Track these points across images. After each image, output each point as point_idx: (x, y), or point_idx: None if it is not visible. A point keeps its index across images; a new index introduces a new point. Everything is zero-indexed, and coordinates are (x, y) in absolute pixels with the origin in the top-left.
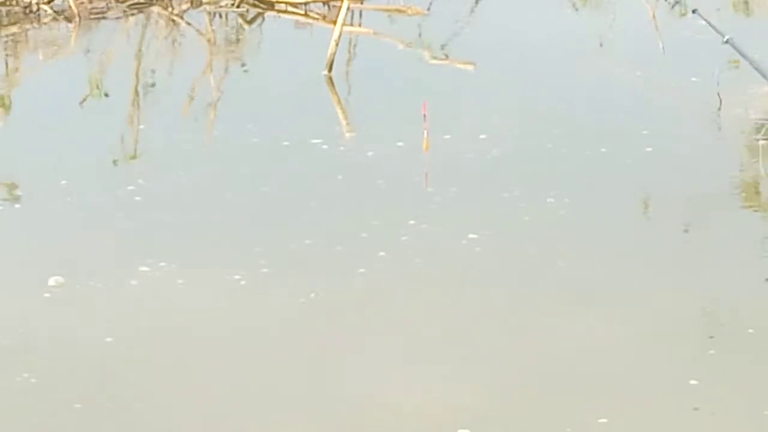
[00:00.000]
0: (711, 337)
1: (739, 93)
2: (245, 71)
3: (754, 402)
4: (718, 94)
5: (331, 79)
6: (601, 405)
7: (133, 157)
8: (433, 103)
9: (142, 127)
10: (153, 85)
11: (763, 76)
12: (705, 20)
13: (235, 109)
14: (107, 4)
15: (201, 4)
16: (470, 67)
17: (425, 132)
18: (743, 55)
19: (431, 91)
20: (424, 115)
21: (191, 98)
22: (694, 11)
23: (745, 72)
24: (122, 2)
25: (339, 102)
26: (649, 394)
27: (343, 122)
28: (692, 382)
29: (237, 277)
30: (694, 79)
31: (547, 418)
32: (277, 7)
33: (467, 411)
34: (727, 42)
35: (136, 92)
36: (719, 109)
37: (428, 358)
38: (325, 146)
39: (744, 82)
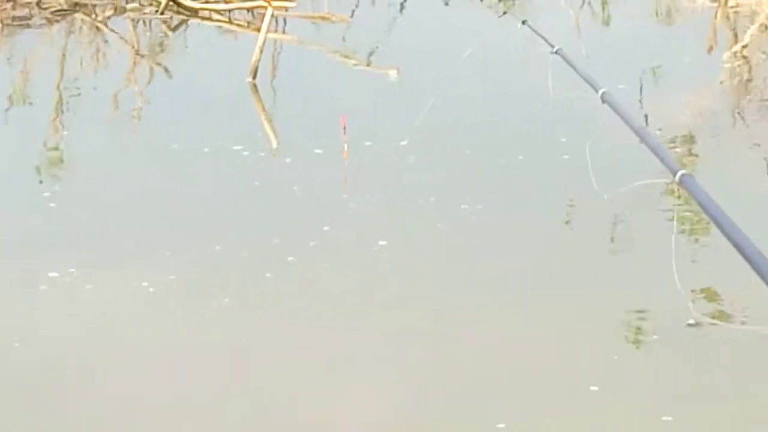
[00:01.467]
0: (615, 343)
1: (662, 102)
2: (169, 78)
3: (652, 408)
4: (640, 102)
5: (255, 86)
6: (501, 410)
7: (54, 164)
8: (356, 109)
9: (66, 133)
10: (77, 91)
11: (592, 86)
12: (535, 32)
13: (159, 116)
14: (30, 11)
15: (125, 11)
16: (393, 74)
17: (345, 145)
18: (572, 66)
19: (355, 98)
20: (344, 128)
21: (115, 105)
22: (524, 22)
23: (669, 81)
24: (45, 9)
25: (263, 109)
26: (549, 400)
27: (266, 129)
28: (593, 388)
29: (145, 283)
30: (621, 86)
31: (448, 424)
32: (201, 14)
33: (369, 418)
34: (556, 53)
35: (60, 99)
36: (645, 118)
37: (332, 365)
38: (245, 153)
39: (667, 91)
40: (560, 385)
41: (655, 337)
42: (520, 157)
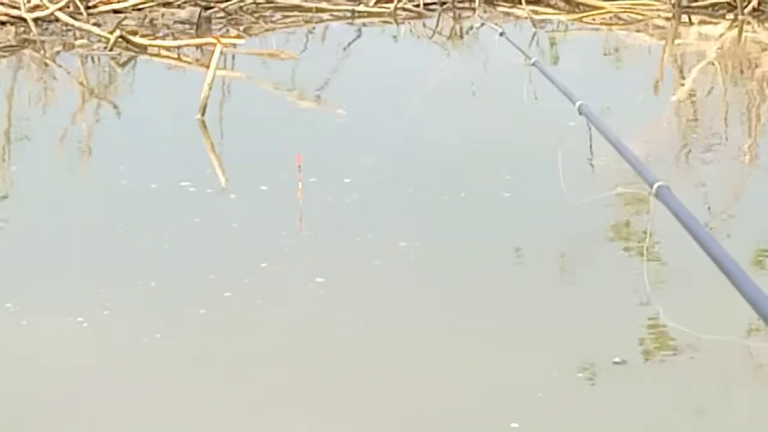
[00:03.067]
0: (541, 380)
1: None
2: (118, 114)
3: None
4: (591, 146)
5: (204, 122)
6: None
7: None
8: (304, 147)
9: (14, 168)
10: (25, 127)
11: (568, 97)
12: (512, 44)
13: (108, 152)
14: None
15: (73, 47)
16: (340, 112)
17: (300, 184)
18: (548, 77)
19: (301, 135)
20: (299, 166)
21: (64, 141)
22: (501, 34)
23: (617, 119)
24: None
25: (212, 146)
26: None
27: (215, 165)
28: (513, 425)
29: (80, 319)
30: (572, 123)
31: None
32: (150, 50)
33: None
34: (533, 64)
35: (8, 134)
36: (590, 158)
37: (264, 402)
38: (192, 189)
39: (616, 130)
40: (480, 421)
41: (580, 375)
42: (463, 195)
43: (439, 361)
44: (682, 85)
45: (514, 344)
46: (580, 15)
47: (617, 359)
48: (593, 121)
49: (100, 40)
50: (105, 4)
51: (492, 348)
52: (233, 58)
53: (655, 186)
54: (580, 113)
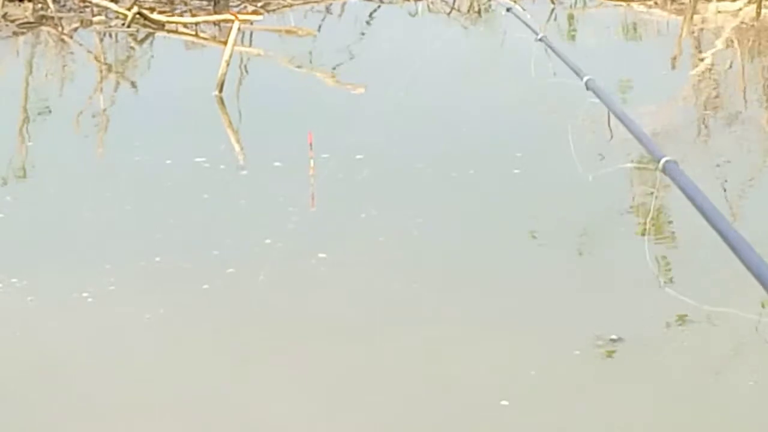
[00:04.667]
0: (535, 357)
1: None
2: (135, 91)
3: (559, 424)
4: (609, 123)
5: (221, 99)
6: (410, 424)
7: (14, 174)
8: (320, 123)
9: (30, 143)
10: (43, 103)
11: (576, 73)
12: (520, 19)
13: (124, 128)
14: None
15: (91, 24)
16: (359, 89)
17: (311, 161)
18: (556, 53)
19: (319, 111)
20: (311, 144)
21: (81, 117)
22: (508, 10)
23: (635, 95)
24: (11, 22)
25: (229, 122)
26: (456, 414)
27: (231, 142)
28: (503, 402)
29: (85, 294)
30: (593, 100)
31: None
32: (168, 27)
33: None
34: (540, 40)
35: (26, 110)
36: (611, 138)
37: (263, 376)
38: (206, 165)
39: (633, 105)
40: (470, 399)
41: (576, 352)
42: (471, 172)
43: (434, 335)
44: (700, 61)
45: (510, 320)
46: None
47: (614, 336)
48: (601, 97)
49: (117, 17)
50: None
51: (488, 323)
52: (251, 34)
53: (663, 161)
54: (588, 88)
